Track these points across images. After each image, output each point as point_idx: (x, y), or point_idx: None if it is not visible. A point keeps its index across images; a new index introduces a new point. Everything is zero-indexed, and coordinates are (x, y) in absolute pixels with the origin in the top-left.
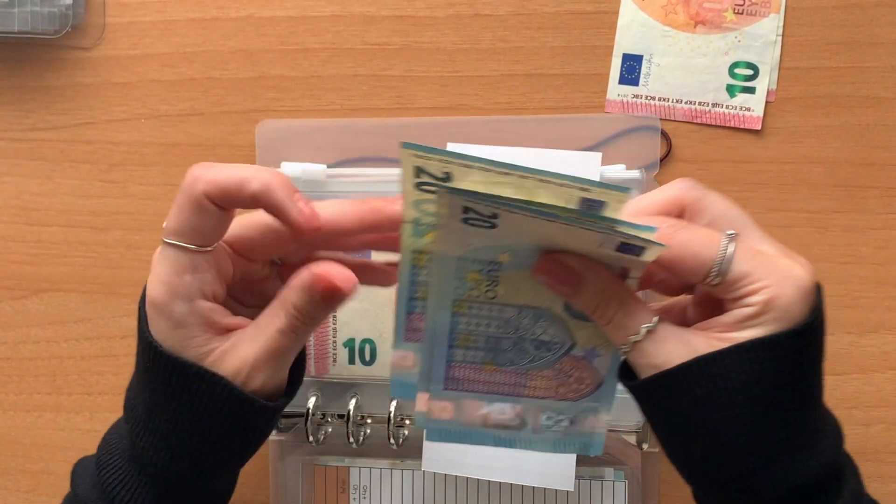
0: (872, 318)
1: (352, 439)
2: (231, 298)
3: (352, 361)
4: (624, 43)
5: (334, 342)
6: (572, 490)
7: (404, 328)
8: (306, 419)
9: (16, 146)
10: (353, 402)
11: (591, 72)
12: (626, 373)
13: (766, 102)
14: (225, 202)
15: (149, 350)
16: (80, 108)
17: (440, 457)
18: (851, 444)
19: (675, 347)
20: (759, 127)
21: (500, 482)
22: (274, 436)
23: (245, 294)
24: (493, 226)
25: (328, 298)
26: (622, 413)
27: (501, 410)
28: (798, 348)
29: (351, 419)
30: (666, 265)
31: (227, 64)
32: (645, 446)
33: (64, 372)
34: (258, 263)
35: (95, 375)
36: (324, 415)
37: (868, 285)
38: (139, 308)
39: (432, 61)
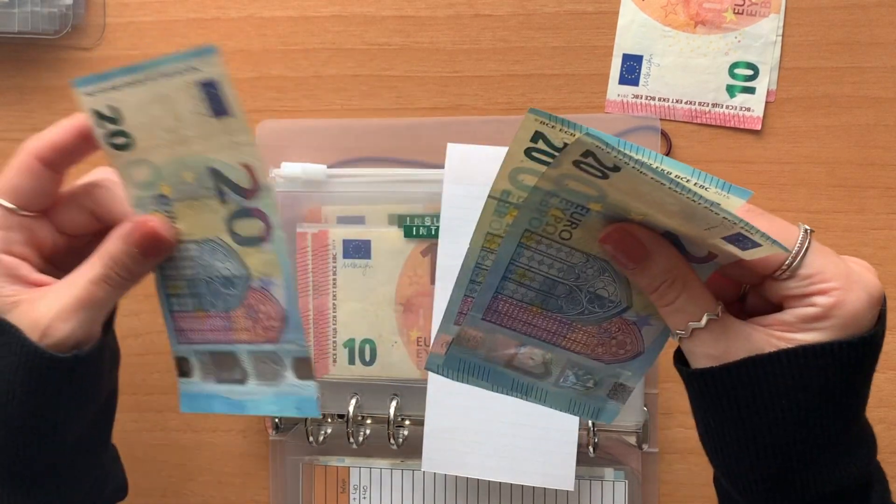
0: None
1: (352, 439)
2: (57, 269)
3: (352, 361)
4: (624, 43)
5: (334, 342)
6: (572, 490)
7: (457, 312)
8: (306, 419)
9: (16, 146)
10: (353, 402)
11: (591, 72)
12: (679, 356)
13: (766, 102)
14: (60, 154)
15: None
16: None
17: (440, 457)
18: None
19: (734, 341)
20: (759, 127)
21: (500, 482)
22: (274, 436)
23: (55, 257)
24: (605, 177)
25: (147, 246)
26: (622, 413)
27: (530, 355)
28: (852, 359)
29: (351, 419)
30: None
31: (227, 64)
32: (645, 446)
33: None
34: (70, 237)
35: None
36: (324, 415)
37: None
38: None
39: (432, 61)
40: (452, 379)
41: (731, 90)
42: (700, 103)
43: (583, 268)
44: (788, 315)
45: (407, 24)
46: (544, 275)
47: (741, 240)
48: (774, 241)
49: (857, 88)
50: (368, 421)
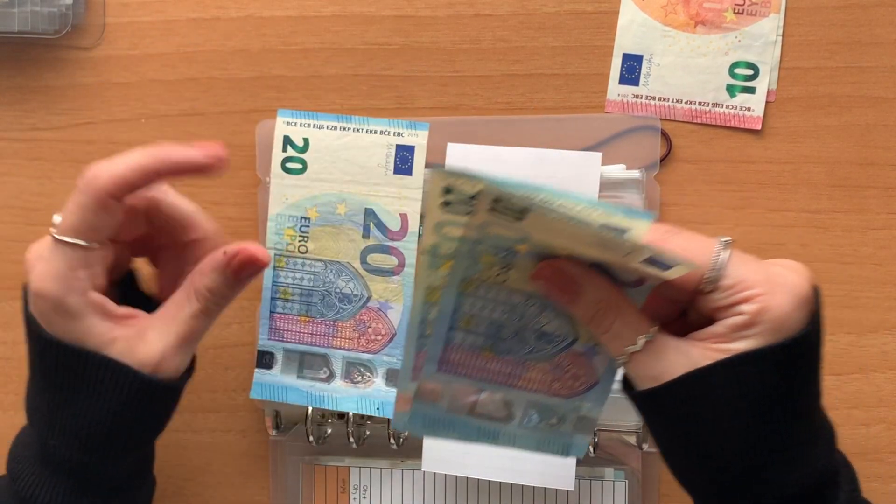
0: (872, 318)
1: (352, 439)
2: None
3: None
4: (624, 43)
5: None
6: (572, 490)
7: (412, 368)
8: (306, 419)
9: (16, 146)
10: None
11: (591, 72)
12: (626, 381)
13: (766, 102)
14: (130, 191)
15: (49, 348)
16: (80, 108)
17: (440, 457)
18: (851, 444)
19: (672, 359)
20: (759, 127)
21: (500, 482)
22: (274, 436)
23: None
24: (521, 218)
25: (246, 272)
26: (622, 413)
27: (491, 400)
28: (787, 361)
29: (351, 419)
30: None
31: (227, 64)
32: (645, 446)
33: None
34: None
35: None
36: (324, 415)
37: (868, 285)
38: (25, 315)
39: (432, 61)
40: (421, 434)
41: (731, 90)
42: (700, 103)
43: (525, 307)
44: (720, 326)
45: (407, 24)
46: (489, 319)
47: (657, 262)
48: (681, 260)
49: (857, 88)
50: (368, 421)
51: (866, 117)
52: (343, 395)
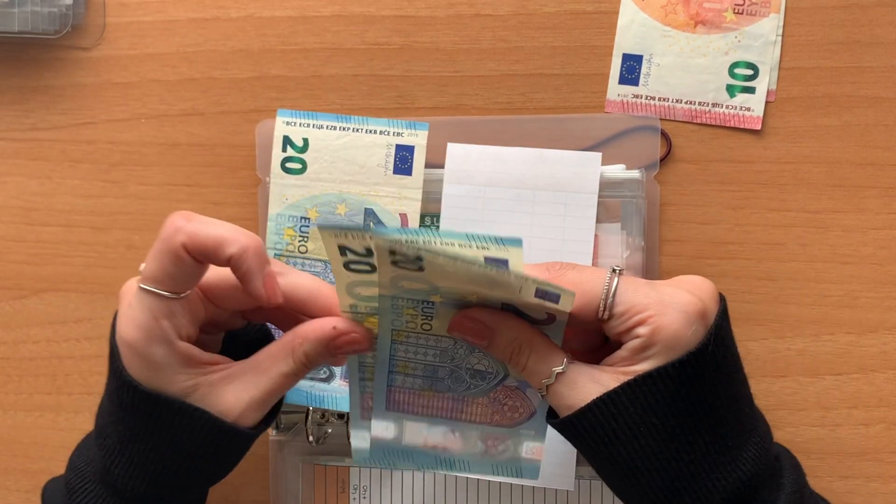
0: (872, 318)
1: None
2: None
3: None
4: (624, 43)
5: None
6: (572, 490)
7: (359, 408)
8: (306, 419)
9: (16, 146)
10: None
11: (591, 72)
12: (552, 412)
13: (766, 102)
14: (201, 257)
15: (126, 388)
16: (80, 108)
17: None
18: (851, 444)
19: (586, 387)
20: (759, 127)
21: (499, 482)
22: (274, 436)
23: (208, 326)
24: (421, 269)
25: (347, 351)
26: None
27: (441, 433)
28: (687, 375)
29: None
30: None
31: (227, 64)
32: None
33: (64, 372)
34: (227, 311)
35: (96, 375)
36: (324, 415)
37: (868, 285)
38: (111, 343)
39: (432, 61)
40: (382, 466)
41: (731, 90)
42: (700, 103)
43: (454, 350)
44: (624, 350)
45: (407, 24)
46: (424, 363)
47: (546, 294)
48: (562, 289)
49: (857, 88)
50: None
51: (866, 117)
52: (343, 395)
